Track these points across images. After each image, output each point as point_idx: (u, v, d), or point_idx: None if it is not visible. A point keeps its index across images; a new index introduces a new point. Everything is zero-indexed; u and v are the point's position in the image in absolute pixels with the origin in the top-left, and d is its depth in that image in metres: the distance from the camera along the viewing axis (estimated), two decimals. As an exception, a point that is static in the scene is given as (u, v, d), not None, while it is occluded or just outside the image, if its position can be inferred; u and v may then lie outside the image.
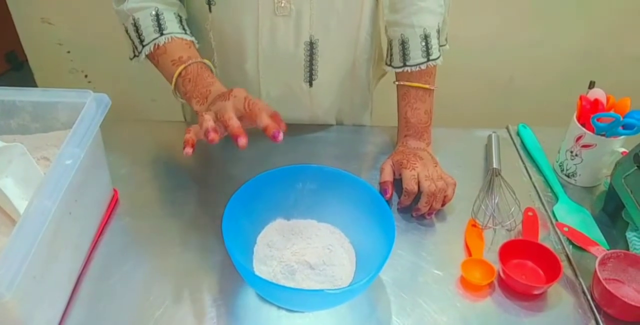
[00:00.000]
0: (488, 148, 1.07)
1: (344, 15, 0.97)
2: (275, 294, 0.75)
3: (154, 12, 0.92)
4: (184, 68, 0.89)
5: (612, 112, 0.94)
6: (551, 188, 1.00)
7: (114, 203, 0.92)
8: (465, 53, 1.59)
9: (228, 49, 1.00)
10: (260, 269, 0.79)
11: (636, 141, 0.89)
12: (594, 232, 0.91)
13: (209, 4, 0.94)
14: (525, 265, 0.84)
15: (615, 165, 0.92)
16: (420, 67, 0.99)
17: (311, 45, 0.97)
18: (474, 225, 0.91)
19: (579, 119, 0.98)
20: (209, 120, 0.74)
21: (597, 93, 0.98)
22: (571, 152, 0.99)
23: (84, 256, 0.82)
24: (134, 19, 0.93)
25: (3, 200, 0.75)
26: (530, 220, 0.91)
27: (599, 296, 0.79)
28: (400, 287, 0.81)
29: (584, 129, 0.96)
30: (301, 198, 0.86)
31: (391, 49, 1.02)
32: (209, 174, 1.00)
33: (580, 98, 0.98)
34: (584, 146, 0.97)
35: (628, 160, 0.88)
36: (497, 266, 0.82)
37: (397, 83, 1.02)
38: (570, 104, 1.04)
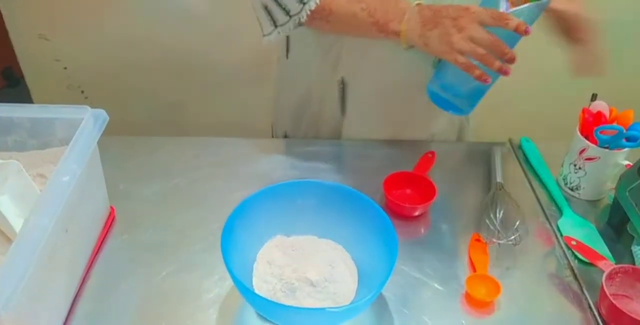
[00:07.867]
0: (491, 162, 1.06)
1: None
2: (275, 313, 0.73)
3: None
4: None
5: (615, 124, 0.94)
6: (555, 202, 0.99)
7: (111, 220, 0.91)
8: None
9: None
10: (260, 287, 0.78)
11: (640, 154, 0.89)
12: (600, 246, 0.90)
13: None
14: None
15: (620, 178, 0.91)
16: None
17: None
18: (478, 240, 0.90)
19: (582, 132, 0.97)
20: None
21: (600, 105, 0.97)
22: (575, 165, 0.98)
23: (80, 274, 0.81)
24: None
25: (-1, 218, 0.74)
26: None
27: (606, 311, 0.78)
28: (404, 304, 0.80)
29: (587, 141, 0.95)
30: (301, 214, 0.84)
31: None
32: (207, 190, 0.98)
33: (583, 110, 0.98)
34: (588, 159, 0.96)
35: (632, 173, 0.88)
36: (501, 283, 0.81)
37: None
38: (572, 116, 1.03)
